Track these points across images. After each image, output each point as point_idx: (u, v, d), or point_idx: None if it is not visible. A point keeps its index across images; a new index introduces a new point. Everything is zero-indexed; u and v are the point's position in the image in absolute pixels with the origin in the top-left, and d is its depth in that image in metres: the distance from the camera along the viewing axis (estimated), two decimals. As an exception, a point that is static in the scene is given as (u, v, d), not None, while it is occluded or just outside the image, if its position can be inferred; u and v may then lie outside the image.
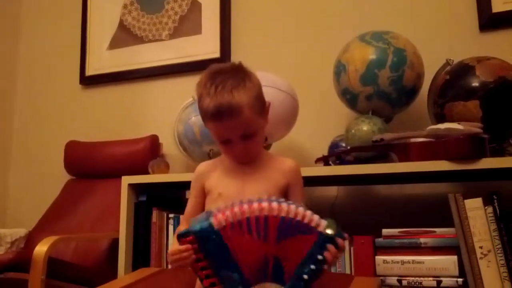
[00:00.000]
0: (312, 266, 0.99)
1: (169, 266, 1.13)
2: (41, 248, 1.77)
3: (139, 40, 2.70)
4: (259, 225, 1.00)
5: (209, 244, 1.01)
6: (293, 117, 1.92)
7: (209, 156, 2.02)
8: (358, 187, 2.02)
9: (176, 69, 2.57)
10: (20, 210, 2.86)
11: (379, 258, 1.55)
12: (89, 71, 2.81)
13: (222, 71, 1.15)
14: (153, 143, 2.42)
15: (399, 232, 1.55)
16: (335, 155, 1.80)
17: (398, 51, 1.75)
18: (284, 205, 1.00)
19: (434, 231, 1.52)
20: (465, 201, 1.47)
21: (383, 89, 1.75)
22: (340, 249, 1.01)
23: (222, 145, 1.16)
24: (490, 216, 1.44)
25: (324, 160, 1.78)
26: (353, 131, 1.74)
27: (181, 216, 1.27)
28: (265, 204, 1.00)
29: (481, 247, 1.44)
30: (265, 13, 2.42)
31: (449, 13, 2.05)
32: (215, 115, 1.10)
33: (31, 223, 2.51)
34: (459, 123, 1.53)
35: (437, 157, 1.51)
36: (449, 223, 1.49)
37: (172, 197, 2.08)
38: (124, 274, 1.88)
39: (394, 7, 2.14)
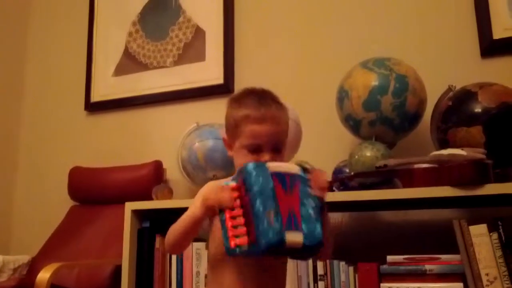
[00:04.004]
0: (310, 202, 1.05)
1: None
2: (44, 275, 1.76)
3: (143, 67, 2.72)
4: (286, 181, 1.06)
5: (261, 182, 1.03)
6: (297, 142, 1.92)
7: (213, 181, 2.02)
8: (362, 213, 2.01)
9: (180, 95, 2.58)
10: (23, 236, 2.85)
11: (385, 286, 1.53)
12: (94, 98, 2.83)
13: (258, 90, 1.23)
14: (157, 169, 2.42)
15: (404, 258, 1.53)
16: (339, 180, 1.80)
17: (400, 78, 1.76)
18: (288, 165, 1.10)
19: (439, 258, 1.50)
20: (470, 227, 1.46)
21: (386, 115, 1.76)
22: (318, 173, 1.10)
23: (251, 154, 1.16)
24: (495, 243, 1.43)
25: (328, 186, 1.77)
26: (356, 156, 1.74)
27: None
28: (282, 163, 1.10)
29: (487, 274, 1.42)
30: (268, 40, 2.45)
31: (450, 39, 2.06)
32: (260, 118, 1.15)
33: (34, 250, 2.50)
34: (462, 149, 1.53)
35: (441, 183, 1.51)
36: (454, 250, 1.47)
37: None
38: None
39: (396, 34, 2.16)
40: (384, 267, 1.55)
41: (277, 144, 1.17)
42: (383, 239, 1.92)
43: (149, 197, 2.09)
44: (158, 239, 1.93)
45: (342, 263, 1.64)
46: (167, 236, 1.20)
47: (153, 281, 1.91)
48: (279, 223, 1.00)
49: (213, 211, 1.10)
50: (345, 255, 1.65)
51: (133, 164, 2.51)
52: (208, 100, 2.51)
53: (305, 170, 1.09)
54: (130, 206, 1.97)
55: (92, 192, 2.53)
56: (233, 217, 1.05)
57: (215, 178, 2.02)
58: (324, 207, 1.09)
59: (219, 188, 1.08)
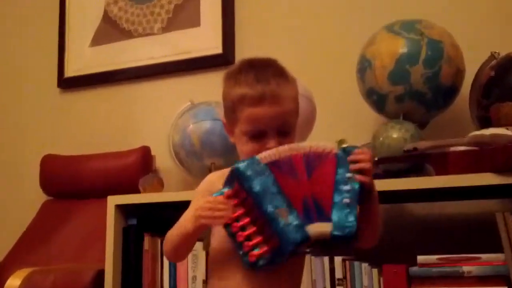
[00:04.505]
0: (347, 187, 1.07)
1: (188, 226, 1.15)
2: (13, 282, 1.79)
3: (127, 34, 2.72)
4: (291, 165, 1.09)
5: (259, 179, 1.06)
6: (310, 122, 1.92)
7: (211, 171, 2.03)
8: (388, 206, 2.02)
9: (171, 68, 2.59)
10: (-12, 238, 2.88)
11: (415, 291, 1.54)
12: (69, 72, 2.84)
13: (259, 62, 1.23)
14: (145, 156, 2.44)
15: (437, 259, 1.54)
16: (360, 167, 1.81)
17: (433, 43, 1.76)
18: (301, 144, 1.13)
19: (480, 258, 1.51)
20: (516, 220, 1.47)
21: (416, 88, 1.76)
22: (364, 155, 1.10)
23: (252, 141, 1.17)
24: (546, 239, 1.44)
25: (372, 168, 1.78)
26: (381, 139, 1.74)
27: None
28: (286, 147, 1.11)
29: (536, 277, 1.43)
30: (275, 0, 2.44)
31: (493, -2, 2.05)
32: (257, 98, 1.15)
33: (1, 253, 2.52)
34: (507, 128, 1.53)
35: (481, 168, 1.51)
36: (498, 248, 1.48)
37: (167, 219, 2.08)
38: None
39: (428, -9, 2.15)
40: (414, 269, 1.56)
41: (284, 127, 1.17)
42: (412, 236, 1.94)
43: (135, 190, 2.11)
44: (147, 239, 1.96)
45: (365, 265, 1.66)
46: (164, 242, 1.24)
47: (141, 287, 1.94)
48: (296, 218, 1.04)
49: (206, 227, 1.13)
50: (368, 256, 1.67)
51: (116, 150, 2.53)
52: (204, 74, 2.52)
53: (344, 150, 1.10)
54: (113, 201, 1.99)
55: (69, 184, 2.56)
56: (242, 228, 1.07)
57: (213, 166, 2.03)
58: (368, 193, 1.11)
59: (211, 201, 1.09)
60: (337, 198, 1.06)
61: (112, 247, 1.96)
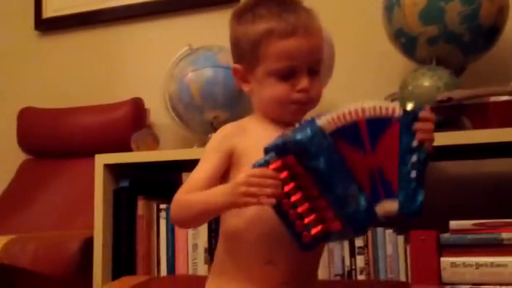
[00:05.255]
0: (413, 159, 1.06)
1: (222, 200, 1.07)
2: (-10, 252, 1.82)
3: (114, -34, 2.71)
4: (356, 133, 1.06)
5: (324, 155, 1.02)
6: (328, 69, 1.92)
7: (213, 126, 2.03)
8: (418, 165, 2.03)
9: (166, 6, 2.58)
10: (-40, 202, 2.92)
11: (446, 260, 1.55)
12: (47, 12, 2.83)
13: None
14: (137, 109, 2.46)
15: (473, 224, 1.55)
16: (386, 121, 1.81)
17: (472, -24, 1.75)
18: (360, 106, 1.07)
19: (522, 222, 1.53)
20: None
21: (452, 29, 1.76)
22: (429, 120, 1.09)
23: (281, 82, 1.16)
24: None
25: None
26: (410, 88, 1.75)
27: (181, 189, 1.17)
28: (348, 109, 1.07)
29: None
30: None
31: None
32: (290, 29, 1.14)
33: (-25, 219, 2.57)
34: (557, 74, 1.53)
35: (526, 121, 1.52)
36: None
37: (163, 181, 2.10)
38: (101, 285, 1.93)
39: None
40: (445, 236, 1.57)
41: (316, 64, 1.18)
42: (445, 198, 1.94)
43: (127, 148, 2.12)
44: (140, 203, 1.99)
45: (389, 231, 1.68)
46: (175, 205, 1.17)
47: (135, 257, 1.98)
48: (365, 201, 1.03)
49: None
50: (392, 220, 1.68)
51: (104, 103, 2.54)
52: (204, 14, 2.52)
53: (408, 113, 1.08)
54: (102, 160, 2.01)
55: (50, 141, 2.58)
56: (294, 205, 1.04)
57: (216, 121, 2.04)
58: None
59: (258, 175, 1.01)
60: (402, 171, 1.06)
61: (101, 213, 1.98)
